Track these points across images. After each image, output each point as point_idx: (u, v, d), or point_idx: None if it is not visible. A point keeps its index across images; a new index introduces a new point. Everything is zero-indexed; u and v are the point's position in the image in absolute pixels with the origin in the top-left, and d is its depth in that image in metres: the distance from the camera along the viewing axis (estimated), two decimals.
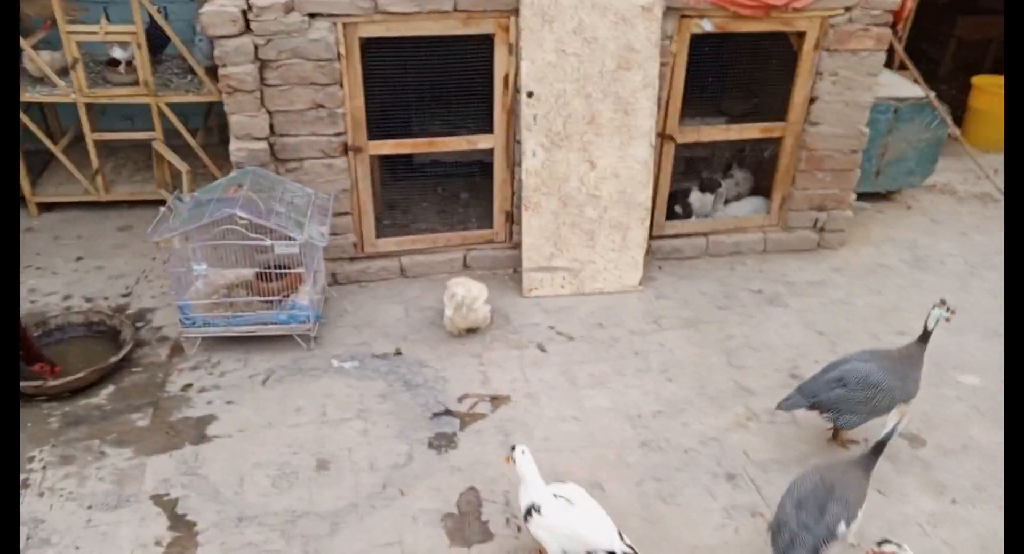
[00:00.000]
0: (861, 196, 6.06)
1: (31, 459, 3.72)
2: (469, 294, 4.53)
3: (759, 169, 5.89)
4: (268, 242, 4.24)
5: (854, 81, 5.12)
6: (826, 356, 4.51)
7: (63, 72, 5.41)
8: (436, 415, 4.05)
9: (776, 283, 5.27)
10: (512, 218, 5.19)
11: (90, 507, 3.47)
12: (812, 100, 5.17)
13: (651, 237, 5.41)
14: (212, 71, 5.18)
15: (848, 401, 3.58)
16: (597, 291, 5.10)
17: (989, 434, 3.97)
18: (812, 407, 3.69)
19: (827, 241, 5.68)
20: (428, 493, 3.58)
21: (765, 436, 3.90)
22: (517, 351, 4.56)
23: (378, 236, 5.15)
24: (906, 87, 6.10)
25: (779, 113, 5.30)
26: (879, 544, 2.66)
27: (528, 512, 3.03)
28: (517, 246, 5.18)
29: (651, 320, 4.87)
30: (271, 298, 4.50)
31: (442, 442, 3.88)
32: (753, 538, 3.31)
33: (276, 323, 4.48)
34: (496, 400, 4.17)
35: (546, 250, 5.00)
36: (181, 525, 3.39)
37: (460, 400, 4.17)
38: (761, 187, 5.81)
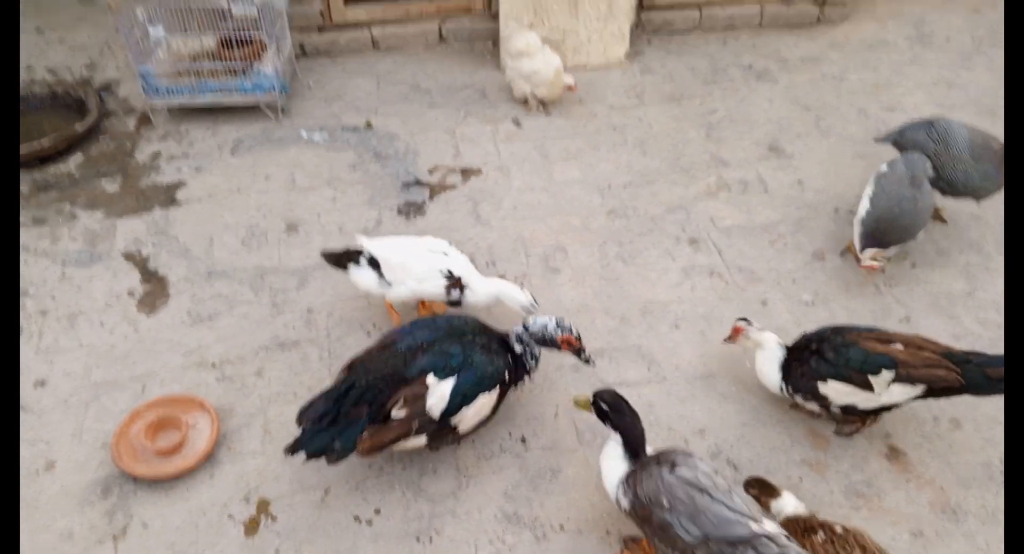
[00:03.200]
0: None
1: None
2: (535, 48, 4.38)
3: None
4: (223, 1, 4.01)
5: None
6: (808, 130, 4.39)
7: None
8: (406, 185, 4.03)
9: (768, 58, 5.02)
10: None
11: (63, 262, 3.56)
12: None
13: (641, 7, 5.10)
14: None
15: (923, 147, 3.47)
16: (580, 65, 4.88)
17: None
18: (895, 143, 3.66)
19: (828, 16, 5.34)
20: None
21: (735, 205, 3.88)
22: (491, 126, 4.45)
23: (347, 3, 4.86)
24: None
25: None
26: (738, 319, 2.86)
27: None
28: (496, 16, 4.89)
29: (633, 95, 4.70)
30: (234, 65, 4.33)
31: (411, 209, 3.89)
32: (707, 295, 3.38)
33: (241, 91, 4.35)
34: (467, 172, 4.12)
35: (526, 19, 4.72)
36: (153, 279, 3.49)
37: (431, 172, 4.13)
38: None
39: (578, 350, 2.70)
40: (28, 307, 3.34)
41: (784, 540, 2.04)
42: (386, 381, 2.54)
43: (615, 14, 4.79)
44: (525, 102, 4.55)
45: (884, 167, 3.42)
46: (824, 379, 2.59)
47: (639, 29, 5.13)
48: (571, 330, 2.66)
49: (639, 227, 3.75)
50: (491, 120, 4.50)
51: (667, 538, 2.14)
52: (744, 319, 2.82)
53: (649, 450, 2.37)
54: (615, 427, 2.36)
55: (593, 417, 2.81)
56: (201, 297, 3.40)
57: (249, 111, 4.44)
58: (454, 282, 2.99)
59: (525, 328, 2.69)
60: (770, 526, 2.08)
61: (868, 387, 2.53)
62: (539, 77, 4.36)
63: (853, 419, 2.77)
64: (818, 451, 2.75)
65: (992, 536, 2.53)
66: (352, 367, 2.63)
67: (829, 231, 3.70)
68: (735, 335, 2.83)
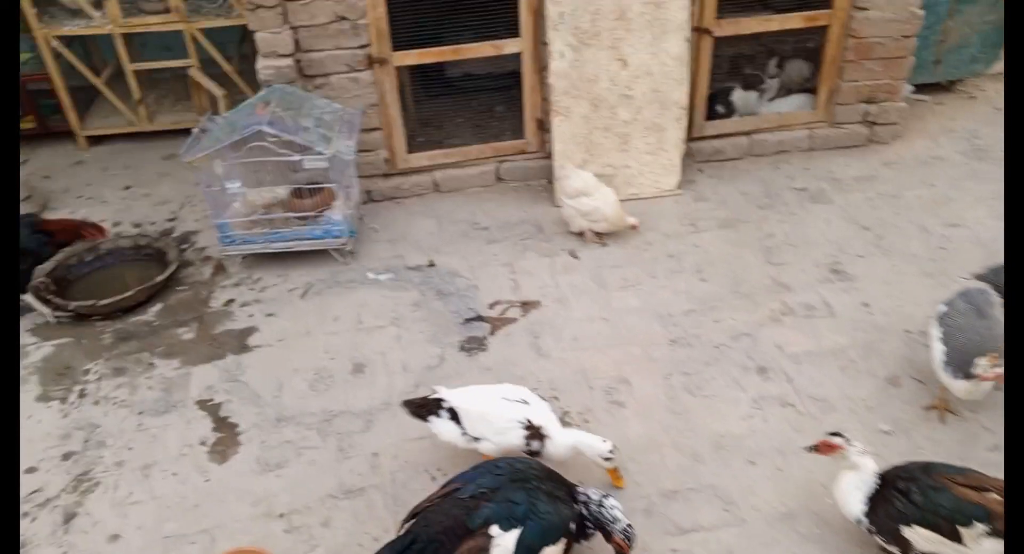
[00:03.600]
0: (920, 88, 5.72)
1: (86, 372, 3.95)
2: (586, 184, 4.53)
3: (806, 63, 5.59)
4: (296, 157, 4.30)
5: None
6: (869, 250, 4.35)
7: (97, 3, 5.49)
8: (467, 320, 4.10)
9: (821, 180, 5.06)
10: (543, 126, 5.10)
11: (140, 413, 3.67)
12: None
13: (690, 139, 5.25)
14: None
15: None
16: (632, 196, 5.00)
17: None
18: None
19: (878, 135, 5.40)
20: None
21: (800, 330, 3.81)
22: (548, 259, 4.54)
23: (410, 151, 5.14)
24: None
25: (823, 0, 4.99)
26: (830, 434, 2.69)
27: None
28: (549, 156, 5.10)
29: (687, 222, 4.76)
30: (305, 214, 4.58)
31: (473, 345, 3.93)
32: (781, 426, 3.27)
33: (311, 238, 4.57)
34: (526, 305, 4.18)
35: (578, 157, 4.91)
36: (224, 426, 3.56)
37: (491, 306, 4.20)
38: (808, 83, 5.52)
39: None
40: (106, 459, 3.43)
41: None
42: (448, 534, 2.49)
43: (665, 147, 4.94)
44: (581, 234, 4.65)
45: (943, 307, 3.30)
46: (909, 523, 2.43)
47: (689, 158, 5.26)
48: (631, 540, 2.55)
49: (704, 356, 3.71)
50: (548, 253, 4.60)
51: None
52: (840, 434, 2.63)
53: None
54: None
55: None
56: (270, 444, 3.44)
57: (318, 255, 4.65)
58: (533, 432, 2.95)
59: (596, 500, 2.60)
60: None
61: (957, 539, 2.36)
62: (599, 214, 4.48)
63: None
64: None
65: None
66: (415, 516, 2.59)
67: (902, 355, 3.59)
68: (828, 450, 2.63)
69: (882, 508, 2.51)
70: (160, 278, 4.42)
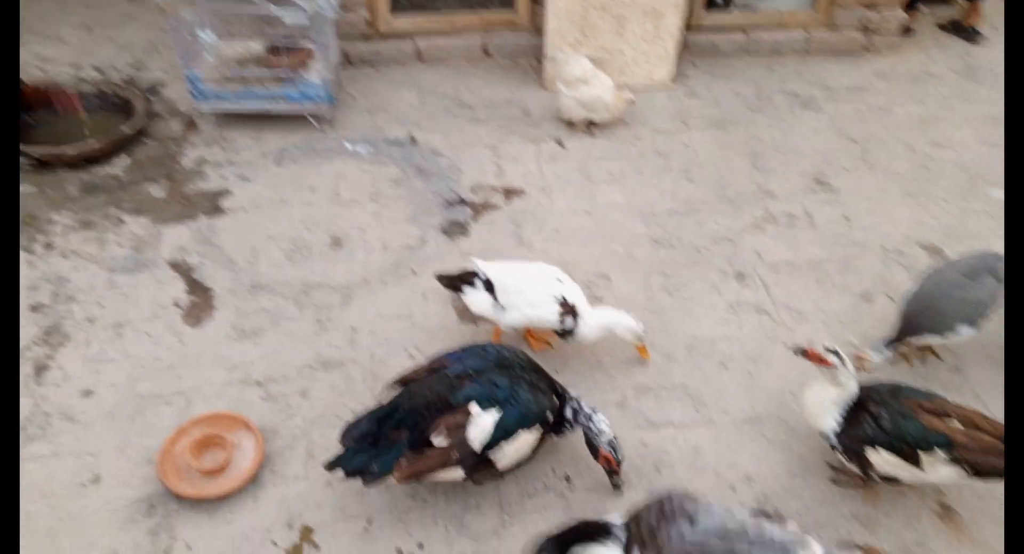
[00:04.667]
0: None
1: (51, 222, 3.79)
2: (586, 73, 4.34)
3: None
4: (274, 9, 4.01)
5: None
6: (855, 163, 4.36)
7: None
8: (449, 203, 4.02)
9: (813, 86, 4.99)
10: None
11: (111, 269, 3.57)
12: None
13: (688, 28, 5.06)
14: None
15: None
16: (624, 85, 4.84)
17: None
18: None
19: (874, 44, 5.30)
20: (433, 272, 3.61)
21: (782, 239, 3.85)
22: (534, 145, 4.44)
23: (393, 13, 4.85)
24: None
25: None
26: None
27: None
28: (540, 31, 4.87)
29: (678, 119, 4.67)
30: (282, 73, 4.33)
31: (454, 229, 3.88)
32: (755, 333, 3.36)
33: (288, 100, 4.35)
34: (509, 192, 4.11)
35: (571, 36, 4.70)
36: (198, 290, 3.50)
37: (473, 190, 4.12)
38: None
39: (611, 472, 2.68)
40: (76, 313, 3.35)
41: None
42: (429, 407, 2.54)
43: (662, 35, 4.76)
44: (571, 124, 4.53)
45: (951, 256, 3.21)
46: (874, 446, 2.53)
47: (684, 51, 5.10)
48: (618, 455, 2.63)
49: (684, 258, 3.74)
50: (534, 139, 4.48)
51: None
52: (836, 352, 2.59)
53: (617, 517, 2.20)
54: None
55: (637, 460, 2.81)
56: (245, 311, 3.40)
57: (292, 120, 4.44)
58: (568, 309, 2.98)
59: (586, 413, 2.66)
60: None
61: (916, 463, 2.48)
62: (600, 103, 4.35)
63: (857, 477, 2.74)
64: (868, 506, 2.73)
65: None
66: (401, 384, 2.64)
67: (876, 272, 3.67)
68: (817, 361, 2.58)
69: (852, 429, 2.58)
70: (129, 131, 4.19)
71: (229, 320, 3.36)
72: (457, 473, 2.54)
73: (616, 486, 2.72)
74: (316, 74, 4.36)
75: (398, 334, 3.33)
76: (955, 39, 5.53)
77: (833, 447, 2.65)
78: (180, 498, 2.71)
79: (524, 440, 2.57)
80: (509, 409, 2.53)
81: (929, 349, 3.27)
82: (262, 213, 3.90)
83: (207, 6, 4.12)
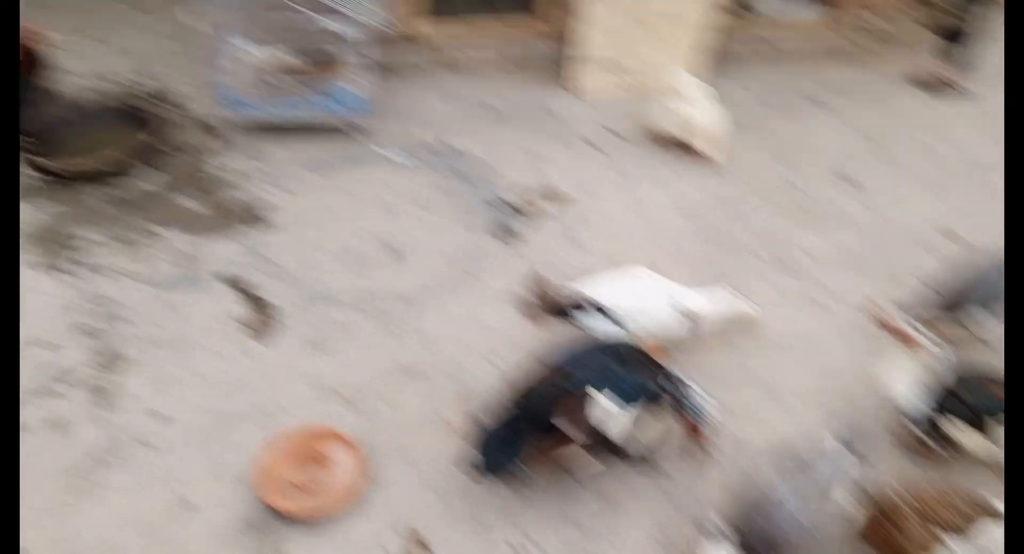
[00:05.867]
0: None
1: (86, 239, 3.62)
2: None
3: None
4: (322, 18, 3.95)
5: None
6: (875, 160, 4.50)
7: None
8: (496, 208, 3.99)
9: (831, 91, 5.11)
10: (569, 8, 4.84)
11: (159, 287, 3.42)
12: None
13: (714, 36, 5.16)
14: None
15: None
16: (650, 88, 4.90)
17: None
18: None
19: (886, 51, 5.49)
20: (496, 277, 3.59)
21: (814, 229, 3.95)
22: (570, 148, 4.44)
23: (424, 21, 4.81)
24: None
25: None
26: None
27: None
28: (569, 38, 4.90)
29: None
30: (315, 81, 4.25)
31: (506, 233, 3.85)
32: (804, 316, 3.43)
33: (324, 110, 4.25)
34: (553, 195, 4.10)
35: (603, 44, 4.73)
36: (257, 304, 3.38)
37: (517, 194, 4.08)
38: None
39: (697, 439, 2.69)
40: (131, 335, 3.20)
41: None
42: (548, 399, 2.55)
43: (690, 42, 4.83)
44: (659, 140, 4.47)
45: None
46: (951, 416, 2.60)
47: (711, 57, 5.19)
48: (701, 419, 2.65)
49: (729, 250, 3.80)
50: (568, 143, 4.50)
51: None
52: (925, 333, 2.62)
53: None
54: None
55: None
56: (313, 323, 3.31)
57: (323, 129, 4.36)
58: (689, 317, 2.98)
59: (683, 384, 2.67)
60: None
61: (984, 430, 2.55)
62: (689, 123, 4.28)
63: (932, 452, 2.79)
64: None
65: None
66: (520, 390, 2.61)
67: (905, 258, 3.80)
68: (900, 338, 2.60)
69: (932, 401, 2.63)
70: (146, 139, 4.02)
71: (297, 333, 3.26)
72: (584, 456, 2.60)
73: (704, 456, 2.73)
74: (352, 83, 4.28)
75: (473, 339, 3.28)
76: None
77: (914, 422, 2.69)
78: (281, 515, 2.61)
79: (642, 418, 2.58)
80: (622, 388, 2.53)
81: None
82: (310, 224, 3.81)
83: (248, 16, 4.00)
